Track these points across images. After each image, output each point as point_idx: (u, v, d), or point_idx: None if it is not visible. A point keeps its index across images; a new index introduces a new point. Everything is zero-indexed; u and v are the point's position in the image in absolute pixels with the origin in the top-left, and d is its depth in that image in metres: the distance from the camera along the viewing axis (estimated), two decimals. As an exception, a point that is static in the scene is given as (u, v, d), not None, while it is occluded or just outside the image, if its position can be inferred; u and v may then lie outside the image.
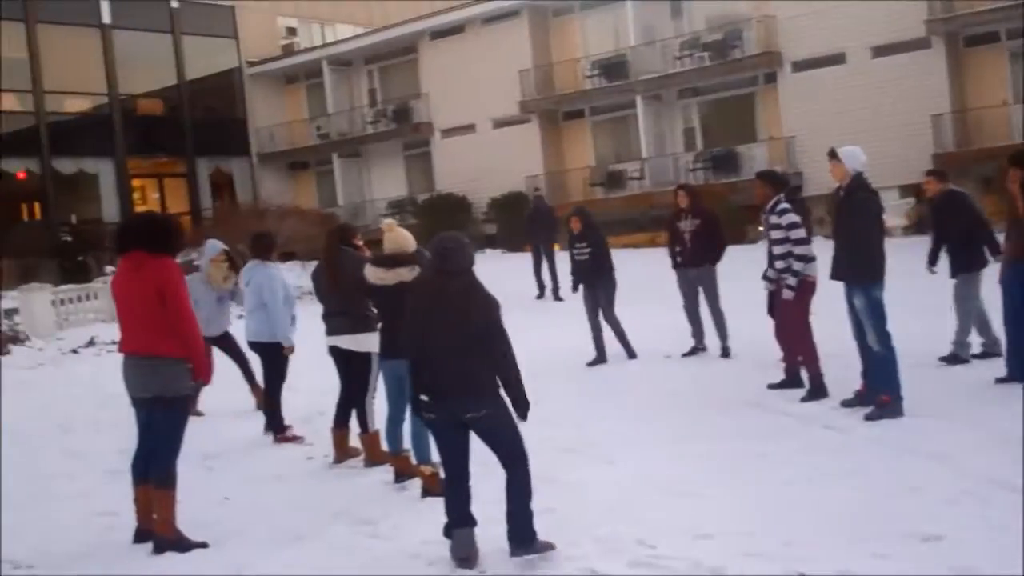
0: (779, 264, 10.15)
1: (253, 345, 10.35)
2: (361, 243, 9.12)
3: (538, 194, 23.03)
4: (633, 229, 29.24)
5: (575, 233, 13.27)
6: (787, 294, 10.07)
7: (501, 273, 20.70)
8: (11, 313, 17.93)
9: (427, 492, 7.61)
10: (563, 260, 20.72)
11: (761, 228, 11.91)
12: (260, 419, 10.48)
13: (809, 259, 10.10)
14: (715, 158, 29.94)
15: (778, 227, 10.17)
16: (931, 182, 11.37)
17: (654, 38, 30.84)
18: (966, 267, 10.65)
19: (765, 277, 10.48)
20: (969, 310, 10.68)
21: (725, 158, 29.75)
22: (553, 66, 32.67)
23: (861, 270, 8.92)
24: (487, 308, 6.05)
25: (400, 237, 8.14)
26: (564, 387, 11.37)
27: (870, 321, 8.90)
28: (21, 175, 33.43)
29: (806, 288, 10.16)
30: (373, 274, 8.07)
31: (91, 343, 15.73)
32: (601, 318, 13.03)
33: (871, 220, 9.03)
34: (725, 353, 12.25)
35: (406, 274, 7.86)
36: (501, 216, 31.78)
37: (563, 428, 9.34)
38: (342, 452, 8.95)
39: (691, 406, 10.05)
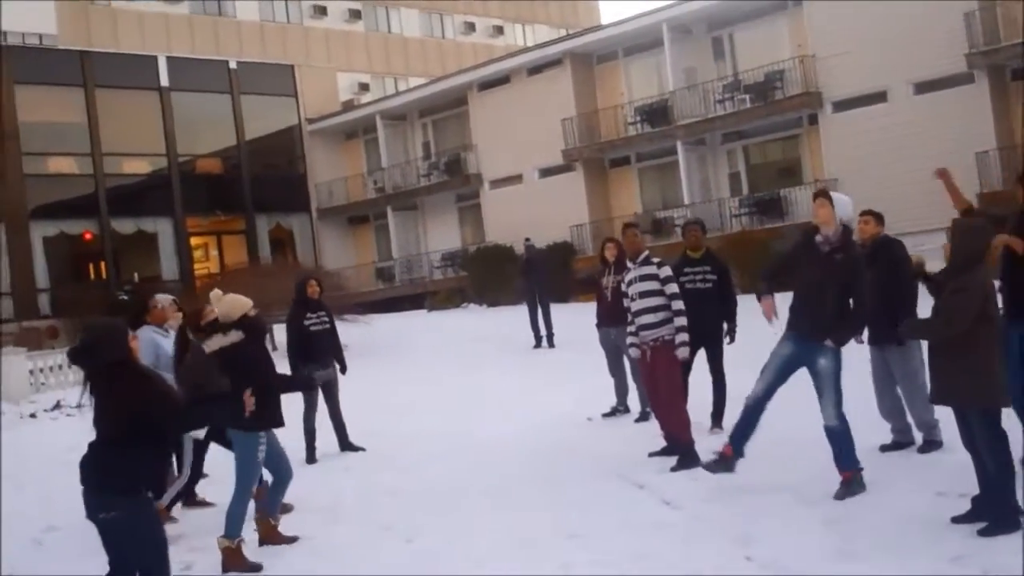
0: (649, 319, 9.66)
1: None
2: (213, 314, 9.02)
3: (529, 243, 22.77)
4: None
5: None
6: (683, 353, 9.59)
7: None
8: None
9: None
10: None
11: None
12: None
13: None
14: (759, 203, 29.24)
15: (652, 278, 9.67)
16: (869, 222, 9.17)
17: (696, 81, 30.34)
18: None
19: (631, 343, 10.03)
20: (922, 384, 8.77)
21: (770, 203, 29.03)
22: (598, 113, 32.37)
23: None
24: (133, 402, 5.62)
25: (224, 304, 8.06)
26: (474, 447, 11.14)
27: (824, 389, 7.96)
28: (87, 236, 34.38)
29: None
30: (205, 345, 8.09)
31: (57, 406, 15.95)
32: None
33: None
34: (644, 417, 11.71)
35: (222, 340, 7.91)
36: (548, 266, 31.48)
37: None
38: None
39: (548, 473, 9.65)
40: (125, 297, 32.58)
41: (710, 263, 10.86)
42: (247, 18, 45.17)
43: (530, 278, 20.48)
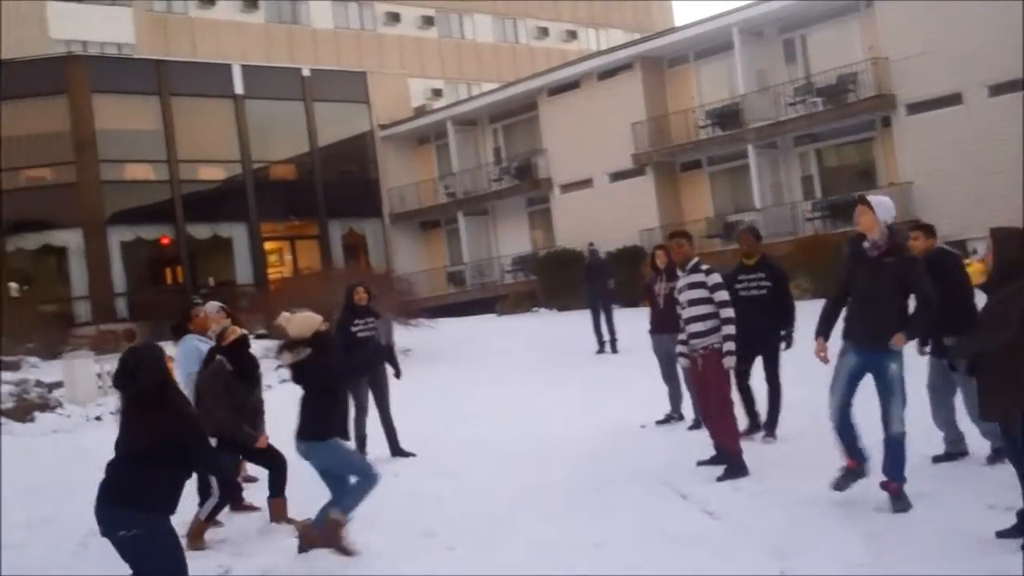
0: (698, 327, 9.56)
1: None
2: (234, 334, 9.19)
3: (593, 248, 22.70)
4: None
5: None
6: (729, 362, 9.48)
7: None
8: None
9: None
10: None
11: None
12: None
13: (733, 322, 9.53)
14: (833, 206, 28.80)
15: (700, 286, 9.55)
16: (919, 237, 9.07)
17: (767, 84, 30.00)
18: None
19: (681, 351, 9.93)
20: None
21: (844, 206, 28.52)
22: (668, 117, 32.13)
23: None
24: (168, 424, 5.74)
25: (294, 324, 8.12)
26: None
27: (891, 396, 7.70)
28: (165, 241, 34.94)
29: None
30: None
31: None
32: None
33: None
34: (697, 424, 11.56)
35: (291, 357, 8.03)
36: (617, 271, 31.27)
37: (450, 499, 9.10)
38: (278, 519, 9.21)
39: (594, 482, 9.59)
40: (200, 301, 33.02)
41: (764, 269, 10.80)
42: (321, 26, 45.89)
43: (593, 283, 20.45)
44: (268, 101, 35.95)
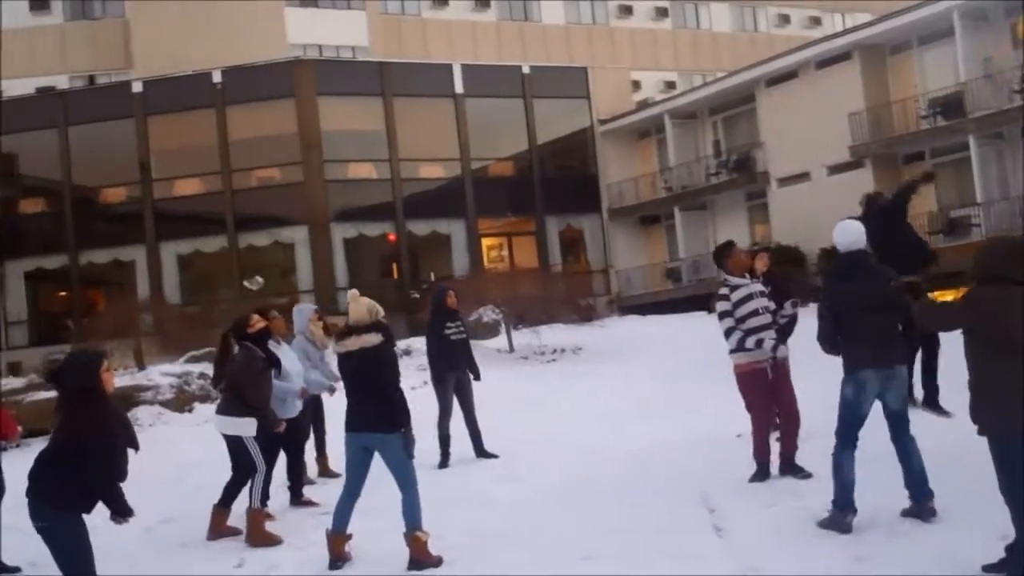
0: (771, 334, 9.77)
1: None
2: (260, 323, 9.35)
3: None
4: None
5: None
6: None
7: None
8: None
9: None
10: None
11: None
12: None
13: None
14: (1063, 201, 26.70)
15: (764, 295, 9.92)
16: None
17: (992, 71, 28.05)
18: None
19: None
20: None
21: (1073, 200, 26.46)
22: (890, 107, 30.56)
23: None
24: (79, 424, 6.03)
25: (361, 307, 8.09)
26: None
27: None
28: (392, 238, 36.10)
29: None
30: (339, 345, 8.18)
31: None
32: None
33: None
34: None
35: (370, 339, 7.90)
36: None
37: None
38: (215, 530, 9.16)
39: (636, 491, 9.39)
40: (418, 296, 33.99)
41: None
42: (552, 22, 46.16)
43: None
44: (488, 99, 36.43)
